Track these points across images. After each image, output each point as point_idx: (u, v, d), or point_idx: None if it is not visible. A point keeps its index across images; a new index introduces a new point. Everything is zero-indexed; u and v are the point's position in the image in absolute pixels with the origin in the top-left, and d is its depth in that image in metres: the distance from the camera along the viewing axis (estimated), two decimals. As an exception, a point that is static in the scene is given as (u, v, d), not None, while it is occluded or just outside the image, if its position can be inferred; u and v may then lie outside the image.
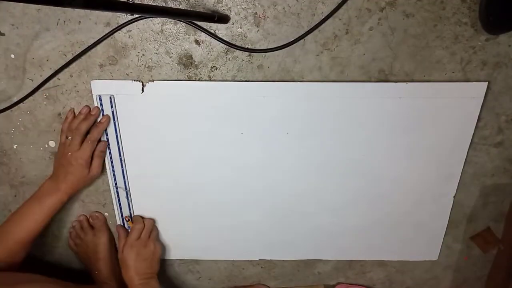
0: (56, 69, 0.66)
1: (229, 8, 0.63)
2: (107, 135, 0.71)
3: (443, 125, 0.71)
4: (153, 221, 0.80)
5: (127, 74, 0.67)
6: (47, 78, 0.67)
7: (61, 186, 0.69)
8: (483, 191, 0.81)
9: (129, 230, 0.79)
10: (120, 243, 0.78)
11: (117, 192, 0.78)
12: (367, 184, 0.77)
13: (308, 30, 0.63)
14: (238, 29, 0.64)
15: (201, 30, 0.64)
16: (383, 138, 0.72)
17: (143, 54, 0.66)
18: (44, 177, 0.75)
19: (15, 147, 0.74)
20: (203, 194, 0.78)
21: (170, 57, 0.66)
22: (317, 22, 0.63)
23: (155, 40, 0.65)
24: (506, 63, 0.67)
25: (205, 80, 0.68)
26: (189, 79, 0.68)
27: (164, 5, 0.62)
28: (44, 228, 0.71)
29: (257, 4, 0.62)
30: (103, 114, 0.69)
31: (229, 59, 0.66)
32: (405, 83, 0.67)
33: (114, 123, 0.70)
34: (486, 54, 0.66)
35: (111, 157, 0.74)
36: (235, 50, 0.65)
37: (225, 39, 0.64)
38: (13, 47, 0.65)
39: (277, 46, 0.64)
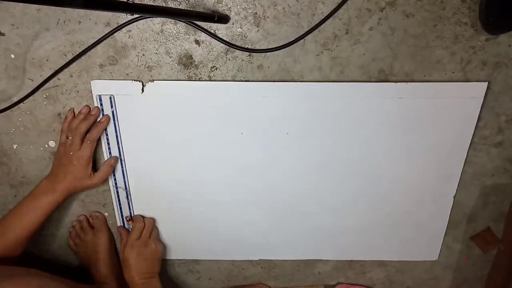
0: (56, 69, 0.66)
1: (229, 8, 0.63)
2: (107, 135, 0.71)
3: (443, 125, 0.71)
4: (153, 220, 0.80)
5: (127, 74, 0.67)
6: (47, 78, 0.67)
7: (58, 186, 0.69)
8: (483, 191, 0.81)
9: (130, 229, 0.79)
10: (121, 244, 0.77)
11: (117, 192, 0.78)
12: (367, 184, 0.77)
13: (308, 30, 0.63)
14: (238, 29, 0.64)
15: (201, 30, 0.64)
16: (383, 138, 0.72)
17: (143, 54, 0.66)
18: (44, 177, 0.75)
19: (15, 147, 0.74)
20: (203, 194, 0.78)
21: (170, 57, 0.66)
22: (317, 22, 0.63)
23: (155, 40, 0.65)
24: (506, 63, 0.67)
25: (205, 80, 0.68)
26: (189, 79, 0.68)
27: (164, 5, 0.62)
28: (41, 226, 0.70)
29: (257, 4, 0.62)
30: (103, 114, 0.69)
31: (229, 59, 0.66)
32: (405, 83, 0.67)
33: (114, 123, 0.70)
34: (486, 54, 0.66)
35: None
36: (235, 50, 0.65)
37: (225, 39, 0.64)
38: (13, 47, 0.65)
39: (277, 46, 0.64)
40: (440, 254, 0.87)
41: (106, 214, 0.82)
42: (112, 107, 0.69)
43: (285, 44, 0.64)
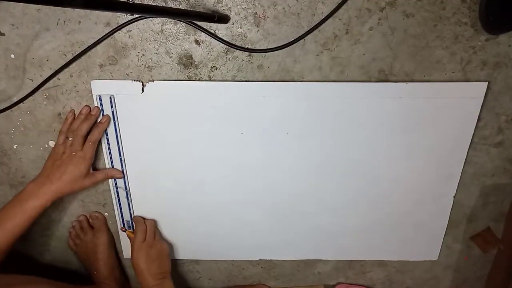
0: (56, 69, 0.66)
1: (229, 8, 0.63)
2: (107, 135, 0.71)
3: (443, 125, 0.71)
4: (154, 221, 0.80)
5: (127, 74, 0.67)
6: (47, 78, 0.67)
7: (49, 188, 0.66)
8: (483, 191, 0.81)
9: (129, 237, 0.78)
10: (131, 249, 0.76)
11: (117, 192, 0.78)
12: (367, 184, 0.77)
13: (308, 30, 0.63)
14: (238, 29, 0.64)
15: (201, 30, 0.64)
16: (383, 138, 0.72)
17: (143, 54, 0.66)
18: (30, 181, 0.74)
19: (15, 147, 0.74)
20: (203, 194, 0.78)
21: (170, 57, 0.66)
22: (317, 22, 0.63)
23: (155, 40, 0.65)
24: (506, 63, 0.67)
25: (205, 80, 0.68)
26: (189, 79, 0.68)
27: (164, 5, 0.62)
28: (26, 231, 0.67)
29: (257, 4, 0.62)
30: (103, 114, 0.69)
31: (229, 59, 0.66)
32: (405, 83, 0.67)
33: (114, 123, 0.70)
34: (486, 54, 0.66)
35: (111, 157, 0.74)
36: (235, 50, 0.65)
37: (225, 39, 0.64)
38: (13, 47, 0.65)
39: (277, 46, 0.64)
40: (440, 254, 0.87)
41: (106, 214, 0.82)
42: (112, 107, 0.69)
43: (285, 44, 0.64)
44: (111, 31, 0.63)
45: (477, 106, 0.70)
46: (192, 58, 0.66)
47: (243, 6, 0.62)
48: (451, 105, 0.69)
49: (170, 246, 0.84)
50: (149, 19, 0.63)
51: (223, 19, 0.62)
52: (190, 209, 0.80)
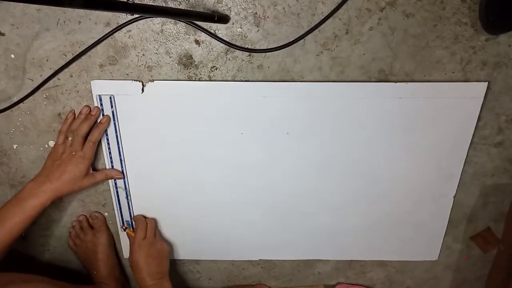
0: (56, 69, 0.66)
1: (229, 8, 0.63)
2: (107, 135, 0.71)
3: (443, 125, 0.71)
4: (155, 220, 0.80)
5: (127, 74, 0.67)
6: (47, 78, 0.67)
7: (48, 187, 0.66)
8: (483, 191, 0.81)
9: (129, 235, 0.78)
10: (130, 247, 0.76)
11: (117, 192, 0.78)
12: (367, 184, 0.77)
13: (308, 30, 0.63)
14: (238, 29, 0.64)
15: (201, 30, 0.64)
16: (383, 138, 0.72)
17: (143, 54, 0.66)
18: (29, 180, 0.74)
19: (15, 147, 0.74)
20: (203, 194, 0.78)
21: (170, 57, 0.66)
22: (317, 22, 0.63)
23: (155, 40, 0.65)
24: (506, 63, 0.67)
25: (205, 80, 0.68)
26: (189, 79, 0.68)
27: (164, 5, 0.62)
28: (26, 231, 0.67)
29: (257, 4, 0.62)
30: (103, 114, 0.69)
31: (229, 59, 0.66)
32: (405, 83, 0.67)
33: (114, 123, 0.70)
34: (486, 54, 0.66)
35: (111, 157, 0.74)
36: (235, 50, 0.65)
37: (225, 39, 0.64)
38: (13, 47, 0.65)
39: (277, 46, 0.64)
40: (440, 254, 0.87)
41: (106, 214, 0.82)
42: (112, 107, 0.69)
43: (285, 44, 0.64)
44: (111, 31, 0.63)
45: (477, 106, 0.70)
46: (192, 58, 0.66)
47: (243, 6, 0.62)
48: (451, 105, 0.69)
49: (170, 246, 0.84)
50: (149, 19, 0.63)
51: (223, 19, 0.62)
52: (190, 209, 0.80)
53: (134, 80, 0.67)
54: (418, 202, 0.80)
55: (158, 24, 0.64)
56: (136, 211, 0.80)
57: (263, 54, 0.66)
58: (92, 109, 0.69)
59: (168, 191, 0.77)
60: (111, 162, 0.74)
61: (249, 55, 0.66)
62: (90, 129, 0.69)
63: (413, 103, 0.69)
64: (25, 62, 0.66)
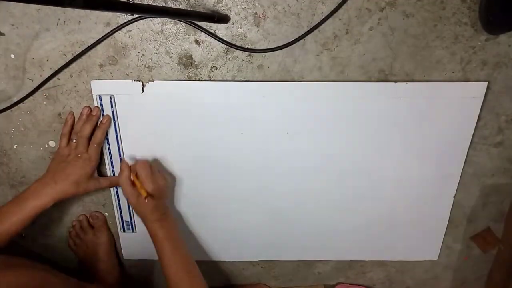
0: (56, 69, 0.66)
1: (229, 8, 0.63)
2: (107, 135, 0.71)
3: (443, 125, 0.71)
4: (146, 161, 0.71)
5: (127, 74, 0.67)
6: (47, 78, 0.67)
7: (53, 188, 0.66)
8: (483, 191, 0.81)
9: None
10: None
11: (117, 192, 0.78)
12: (367, 184, 0.77)
13: (308, 30, 0.63)
14: (238, 29, 0.64)
15: (201, 30, 0.64)
16: (383, 138, 0.72)
17: (143, 54, 0.66)
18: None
19: (15, 147, 0.74)
20: (203, 194, 0.78)
21: (170, 57, 0.66)
22: (317, 22, 0.63)
23: (155, 40, 0.65)
24: (506, 63, 0.67)
25: (205, 80, 0.68)
26: (189, 79, 0.68)
27: (164, 5, 0.62)
28: (25, 230, 0.66)
29: (257, 4, 0.62)
30: (103, 114, 0.69)
31: (229, 59, 0.66)
32: (405, 83, 0.67)
33: (114, 123, 0.70)
34: (486, 54, 0.66)
35: (111, 157, 0.74)
36: (235, 50, 0.65)
37: (225, 39, 0.64)
38: (13, 47, 0.65)
39: (277, 46, 0.64)
40: (440, 254, 0.87)
41: (106, 214, 0.82)
42: (112, 107, 0.69)
43: (285, 44, 0.64)
44: (111, 31, 0.63)
45: (477, 106, 0.70)
46: (192, 58, 0.66)
47: (243, 6, 0.62)
48: (451, 105, 0.69)
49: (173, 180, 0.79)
50: (149, 19, 0.63)
51: (223, 19, 0.62)
52: (190, 209, 0.80)
53: (134, 80, 0.67)
54: (418, 202, 0.80)
55: (158, 24, 0.64)
56: (136, 211, 0.80)
57: (263, 54, 0.66)
58: (92, 109, 0.69)
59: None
60: (111, 162, 0.74)
61: (249, 55, 0.66)
62: (93, 130, 0.69)
63: (413, 103, 0.69)
64: (25, 62, 0.66)
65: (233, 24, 0.64)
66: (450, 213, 0.82)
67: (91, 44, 0.64)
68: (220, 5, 0.62)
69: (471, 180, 0.79)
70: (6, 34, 0.64)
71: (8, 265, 0.60)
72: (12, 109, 0.69)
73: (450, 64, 0.67)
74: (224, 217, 0.81)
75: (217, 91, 0.68)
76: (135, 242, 0.83)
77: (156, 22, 0.64)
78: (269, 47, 0.65)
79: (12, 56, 0.66)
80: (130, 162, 0.71)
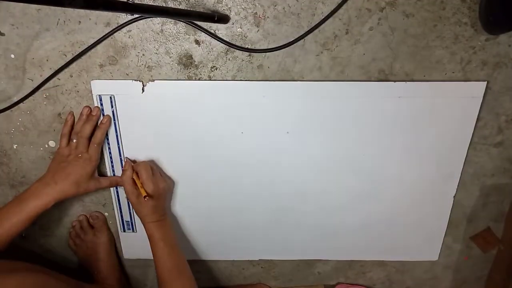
0: (56, 69, 0.66)
1: (229, 8, 0.63)
2: (107, 135, 0.71)
3: (443, 124, 0.71)
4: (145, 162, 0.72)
5: (127, 74, 0.67)
6: (47, 78, 0.67)
7: (54, 188, 0.66)
8: (483, 191, 0.81)
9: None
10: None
11: (117, 192, 0.78)
12: (367, 184, 0.77)
13: (308, 30, 0.63)
14: (238, 29, 0.64)
15: (201, 30, 0.64)
16: (383, 138, 0.72)
17: (143, 54, 0.66)
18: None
19: (15, 147, 0.74)
20: (203, 193, 0.78)
21: (170, 57, 0.66)
22: (317, 22, 0.63)
23: (155, 40, 0.65)
24: (506, 63, 0.67)
25: (205, 80, 0.68)
26: (189, 79, 0.68)
27: (164, 5, 0.62)
28: (26, 231, 0.66)
29: (257, 4, 0.62)
30: (103, 114, 0.69)
31: (229, 59, 0.66)
32: (405, 82, 0.67)
33: (114, 123, 0.70)
34: (486, 54, 0.66)
35: (111, 157, 0.74)
36: (235, 50, 0.65)
37: (225, 39, 0.64)
38: (13, 47, 0.65)
39: (277, 46, 0.65)
40: (440, 254, 0.87)
41: (106, 214, 0.82)
42: (112, 107, 0.69)
43: (285, 44, 0.64)
44: (111, 31, 0.63)
45: (477, 106, 0.70)
46: (192, 58, 0.66)
47: (243, 6, 0.62)
48: (451, 104, 0.69)
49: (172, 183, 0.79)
50: (149, 19, 0.63)
51: (223, 19, 0.62)
52: (190, 208, 0.80)
53: (134, 80, 0.67)
54: (418, 202, 0.80)
55: (158, 24, 0.64)
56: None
57: (263, 54, 0.66)
58: (92, 109, 0.69)
59: (168, 191, 0.77)
60: (111, 162, 0.74)
61: (249, 55, 0.66)
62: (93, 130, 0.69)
63: (412, 102, 0.69)
64: (25, 62, 0.66)
65: (233, 24, 0.64)
66: (450, 213, 0.82)
67: (91, 44, 0.64)
68: (220, 5, 0.62)
69: (471, 180, 0.79)
70: (6, 34, 0.64)
71: (10, 270, 0.60)
72: (12, 109, 0.69)
73: (450, 64, 0.67)
74: (224, 216, 0.81)
75: (217, 91, 0.68)
76: (135, 242, 0.83)
77: (156, 22, 0.64)
78: (269, 47, 0.65)
79: (12, 56, 0.66)
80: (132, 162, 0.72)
